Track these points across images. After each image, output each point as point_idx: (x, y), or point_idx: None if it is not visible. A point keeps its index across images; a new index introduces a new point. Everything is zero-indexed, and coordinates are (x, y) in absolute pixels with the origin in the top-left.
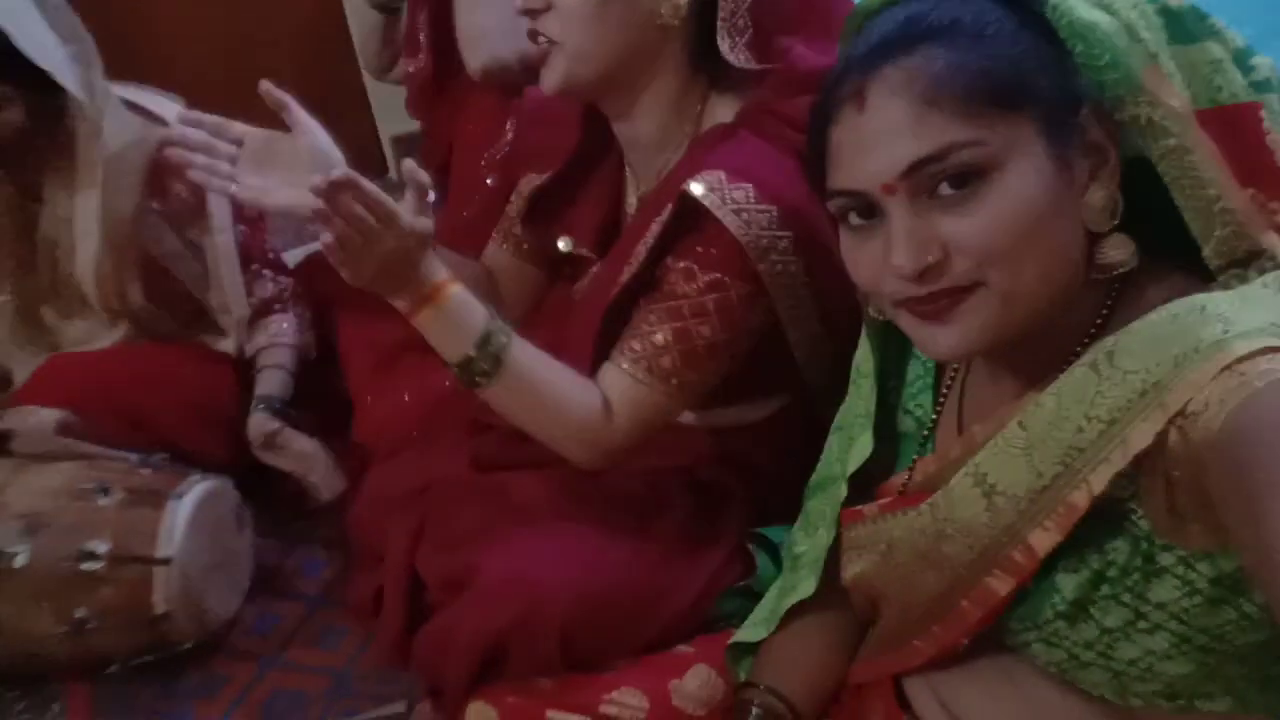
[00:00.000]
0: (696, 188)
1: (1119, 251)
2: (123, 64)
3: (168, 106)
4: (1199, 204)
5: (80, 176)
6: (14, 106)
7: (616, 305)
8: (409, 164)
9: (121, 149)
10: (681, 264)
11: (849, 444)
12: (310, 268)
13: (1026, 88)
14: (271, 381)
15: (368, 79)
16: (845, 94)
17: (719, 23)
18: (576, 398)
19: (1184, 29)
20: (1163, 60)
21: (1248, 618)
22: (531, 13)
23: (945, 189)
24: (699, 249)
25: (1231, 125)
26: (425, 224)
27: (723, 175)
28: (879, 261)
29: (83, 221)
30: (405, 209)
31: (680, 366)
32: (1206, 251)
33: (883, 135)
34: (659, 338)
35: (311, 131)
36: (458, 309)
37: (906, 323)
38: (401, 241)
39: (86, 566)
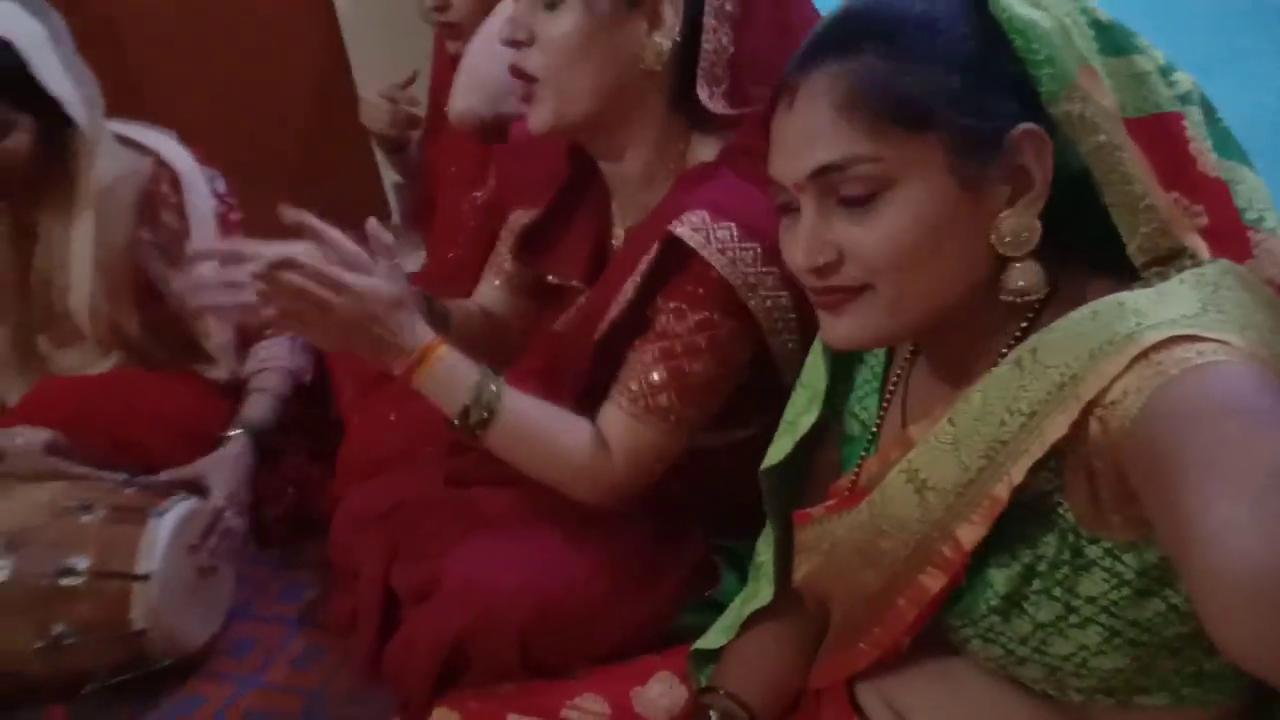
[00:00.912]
0: (682, 230)
1: (1025, 280)
2: (131, 107)
3: (161, 141)
4: (1126, 200)
5: (77, 209)
6: (24, 133)
7: (606, 339)
8: (372, 224)
9: (114, 181)
10: (672, 304)
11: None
12: None
13: (937, 112)
14: (256, 406)
15: None
16: (785, 87)
17: (700, 72)
18: (573, 439)
19: (1113, 42)
20: (1095, 65)
21: (1175, 609)
22: (515, 44)
23: (847, 196)
24: (688, 288)
25: (1157, 134)
26: (388, 289)
27: (706, 215)
28: None
29: (78, 254)
30: (380, 271)
31: (677, 403)
32: (1131, 248)
33: (801, 136)
34: (655, 376)
35: (333, 240)
36: (447, 371)
37: (815, 308)
38: (362, 306)
39: (66, 582)
